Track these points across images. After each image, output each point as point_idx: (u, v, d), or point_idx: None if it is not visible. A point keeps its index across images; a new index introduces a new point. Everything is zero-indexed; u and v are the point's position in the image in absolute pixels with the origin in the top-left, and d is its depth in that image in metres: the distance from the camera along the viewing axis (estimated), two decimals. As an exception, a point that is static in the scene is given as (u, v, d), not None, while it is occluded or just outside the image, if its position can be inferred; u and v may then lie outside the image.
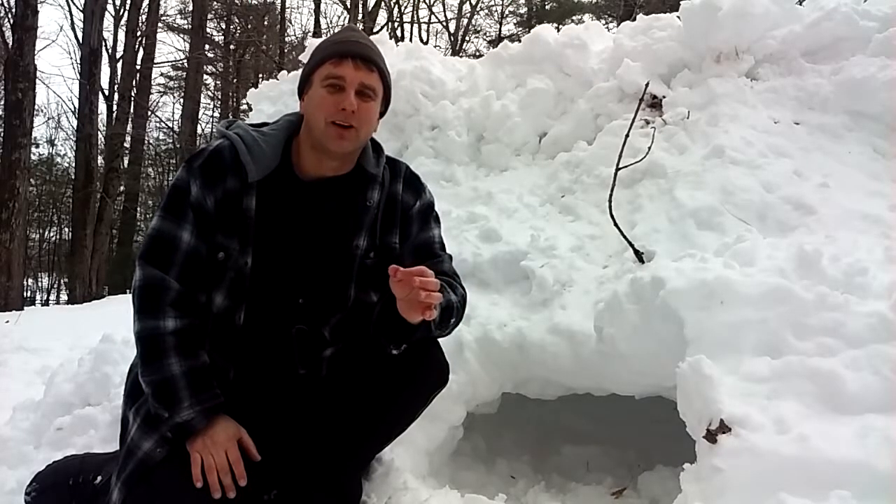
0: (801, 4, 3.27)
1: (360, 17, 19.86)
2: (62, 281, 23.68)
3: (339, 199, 1.80)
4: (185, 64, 20.83)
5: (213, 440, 1.64)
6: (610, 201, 2.52)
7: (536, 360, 2.30)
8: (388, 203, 1.86)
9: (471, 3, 22.76)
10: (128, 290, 17.96)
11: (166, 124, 22.98)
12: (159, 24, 20.18)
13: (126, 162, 18.43)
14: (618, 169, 2.60)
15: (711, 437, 1.65)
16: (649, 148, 2.66)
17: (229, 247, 1.72)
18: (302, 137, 1.80)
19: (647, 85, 2.95)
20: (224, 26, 23.01)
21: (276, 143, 1.78)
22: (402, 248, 1.86)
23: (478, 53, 21.12)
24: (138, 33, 18.40)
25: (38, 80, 13.08)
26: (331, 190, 1.80)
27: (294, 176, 1.79)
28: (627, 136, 2.67)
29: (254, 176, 1.72)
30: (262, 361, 1.79)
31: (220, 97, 24.76)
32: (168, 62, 22.53)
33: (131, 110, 18.71)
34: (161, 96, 23.88)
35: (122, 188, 18.32)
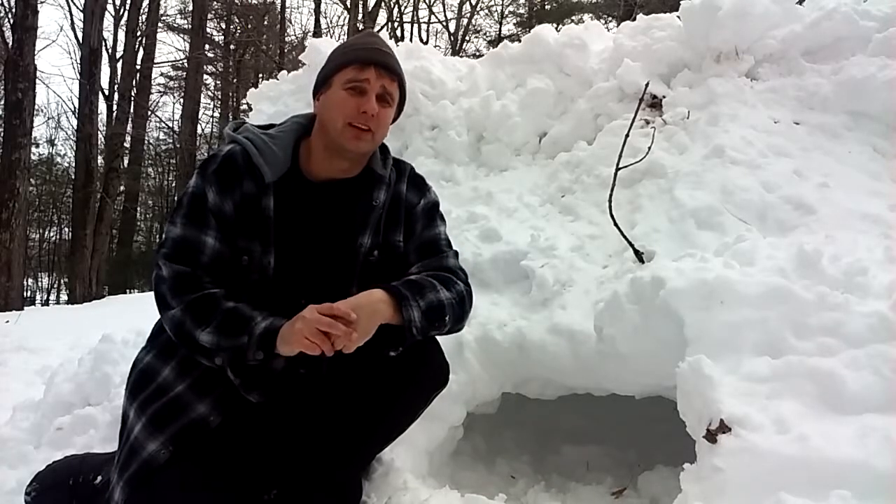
0: (801, 4, 3.27)
1: (360, 17, 19.86)
2: (62, 281, 23.68)
3: (348, 200, 1.81)
4: (185, 64, 20.85)
5: (302, 318, 1.59)
6: (610, 201, 2.52)
7: (536, 360, 2.29)
8: (392, 202, 1.87)
9: (471, 3, 22.79)
10: (128, 291, 18.01)
11: (166, 124, 23.04)
12: (159, 24, 20.21)
13: (126, 162, 18.44)
14: (618, 169, 2.60)
15: (711, 436, 1.65)
16: (649, 148, 2.66)
17: (252, 249, 1.73)
18: (314, 139, 1.81)
19: (647, 85, 2.95)
20: (224, 26, 23.05)
21: (286, 145, 1.79)
22: (408, 246, 1.87)
23: (478, 53, 21.13)
24: (138, 33, 18.40)
25: (38, 80, 13.09)
26: (340, 191, 1.81)
27: (303, 178, 1.79)
28: (627, 136, 2.67)
29: (269, 177, 1.73)
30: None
31: (220, 97, 24.79)
32: (168, 62, 22.60)
33: (131, 110, 18.72)
34: (161, 96, 23.95)
35: (122, 188, 18.34)
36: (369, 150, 1.80)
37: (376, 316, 1.64)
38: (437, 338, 1.89)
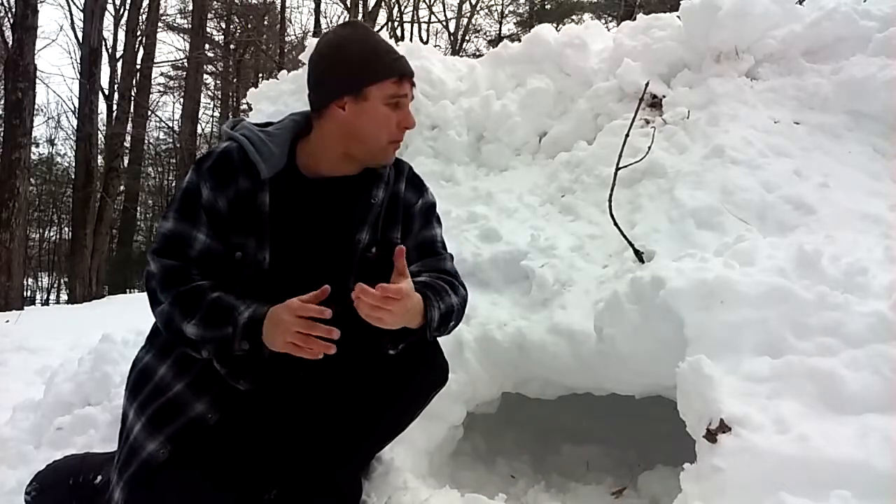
0: (801, 4, 3.27)
1: (360, 16, 19.86)
2: (62, 281, 23.70)
3: (346, 197, 1.81)
4: (185, 64, 20.83)
5: (278, 314, 1.58)
6: (610, 201, 2.52)
7: (536, 359, 2.29)
8: (390, 201, 1.87)
9: (471, 3, 22.78)
10: (128, 290, 18.02)
11: (166, 124, 23.02)
12: (159, 24, 20.20)
13: (126, 162, 18.43)
14: (618, 169, 2.60)
15: (711, 436, 1.65)
16: (649, 148, 2.66)
17: (246, 245, 1.73)
18: (329, 140, 1.77)
19: (647, 84, 2.95)
20: (224, 26, 23.04)
21: (283, 142, 1.79)
22: (405, 244, 1.86)
23: (478, 53, 21.12)
24: (138, 33, 18.39)
25: (38, 80, 13.07)
26: (339, 188, 1.81)
27: (300, 174, 1.79)
28: (627, 135, 2.67)
29: (265, 173, 1.73)
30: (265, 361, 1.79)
31: (220, 97, 24.79)
32: (168, 62, 22.58)
33: (131, 110, 18.71)
34: (161, 96, 23.96)
35: (122, 188, 18.34)
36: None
37: (416, 308, 1.63)
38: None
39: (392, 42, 3.63)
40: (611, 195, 2.53)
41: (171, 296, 1.67)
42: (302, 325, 1.54)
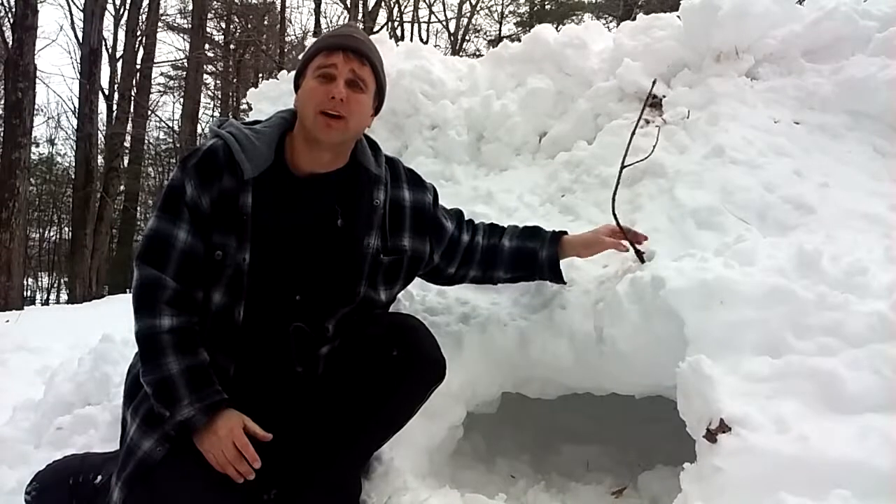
0: (801, 4, 3.27)
1: (360, 16, 19.87)
2: (62, 281, 23.70)
3: (340, 196, 1.81)
4: (185, 64, 20.83)
5: (218, 435, 1.64)
6: (613, 201, 2.50)
7: (536, 359, 2.29)
8: (393, 205, 1.87)
9: (471, 3, 22.79)
10: (128, 290, 18.01)
11: (166, 124, 23.04)
12: (159, 24, 20.21)
13: (126, 161, 18.45)
14: (622, 167, 2.58)
15: (711, 436, 1.65)
16: (653, 147, 2.65)
17: (226, 244, 1.72)
18: (296, 131, 1.81)
19: (654, 83, 2.92)
20: (224, 26, 23.04)
21: (270, 140, 1.78)
22: (444, 237, 2.02)
23: (478, 53, 21.14)
24: (138, 33, 18.40)
25: (38, 80, 13.09)
26: (327, 185, 1.81)
27: (289, 172, 1.79)
28: (633, 133, 2.65)
29: (249, 173, 1.72)
30: (261, 359, 1.79)
31: (220, 97, 24.79)
32: (168, 62, 22.59)
33: (131, 110, 18.72)
34: (161, 96, 23.98)
35: (122, 188, 18.34)
36: (342, 138, 1.78)
37: None
38: (435, 335, 1.91)
39: (392, 42, 3.62)
40: (614, 195, 2.51)
41: (139, 331, 1.69)
42: (231, 454, 1.63)
